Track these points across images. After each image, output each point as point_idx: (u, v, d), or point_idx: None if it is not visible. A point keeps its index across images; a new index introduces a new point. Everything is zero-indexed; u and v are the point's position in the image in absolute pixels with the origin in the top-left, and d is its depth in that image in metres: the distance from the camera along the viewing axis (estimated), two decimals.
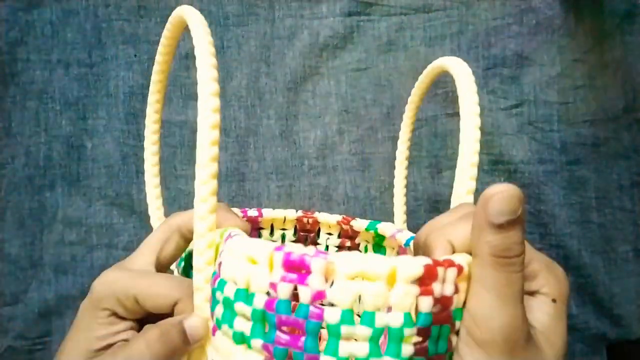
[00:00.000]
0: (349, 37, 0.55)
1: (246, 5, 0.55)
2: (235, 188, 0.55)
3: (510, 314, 0.24)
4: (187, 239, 0.33)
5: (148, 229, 0.53)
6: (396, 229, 0.43)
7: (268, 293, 0.23)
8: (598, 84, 0.54)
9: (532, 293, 0.27)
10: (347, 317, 0.22)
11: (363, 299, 0.22)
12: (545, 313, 0.26)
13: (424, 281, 0.23)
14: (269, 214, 0.48)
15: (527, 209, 0.54)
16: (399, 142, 0.46)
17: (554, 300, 0.26)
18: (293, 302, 0.23)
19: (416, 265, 0.22)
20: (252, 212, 0.47)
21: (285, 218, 0.48)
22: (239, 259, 0.25)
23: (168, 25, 0.34)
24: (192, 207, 0.56)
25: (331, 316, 0.22)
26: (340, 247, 0.48)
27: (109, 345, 0.29)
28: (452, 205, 0.31)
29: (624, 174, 0.55)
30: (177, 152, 0.54)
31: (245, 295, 0.24)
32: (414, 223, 0.55)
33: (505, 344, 0.23)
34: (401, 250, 0.42)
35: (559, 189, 0.54)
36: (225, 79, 0.55)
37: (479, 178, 0.54)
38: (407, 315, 0.23)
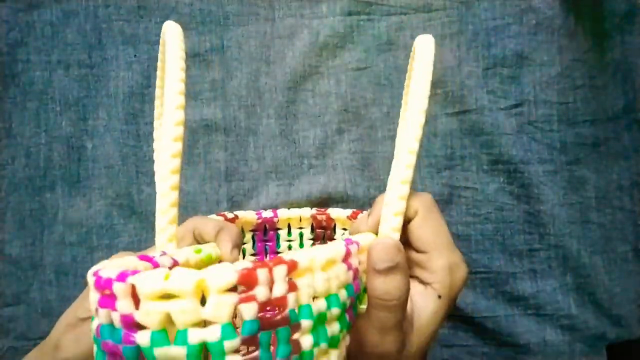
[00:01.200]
0: (349, 37, 0.55)
1: (246, 5, 0.54)
2: (234, 187, 0.55)
3: (388, 342, 0.29)
4: (199, 242, 0.35)
5: (149, 230, 0.53)
6: None
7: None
8: (598, 84, 0.54)
9: (427, 284, 0.32)
10: (159, 338, 0.22)
11: (173, 318, 0.21)
12: (427, 305, 0.32)
13: (243, 287, 0.22)
14: (284, 214, 0.49)
15: (526, 209, 0.54)
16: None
17: (439, 297, 0.32)
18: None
19: (227, 273, 0.22)
20: (267, 214, 0.49)
21: (300, 217, 0.49)
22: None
23: (161, 41, 0.35)
24: (191, 205, 0.57)
25: (142, 339, 0.22)
26: None
27: None
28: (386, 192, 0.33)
29: (624, 174, 0.55)
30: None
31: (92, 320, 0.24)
32: None
33: (383, 357, 0.30)
34: None
35: (558, 189, 0.54)
36: (225, 79, 0.55)
37: (478, 177, 0.55)
38: (227, 327, 0.21)
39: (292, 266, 0.23)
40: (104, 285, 0.22)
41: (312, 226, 0.50)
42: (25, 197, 0.53)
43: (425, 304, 0.32)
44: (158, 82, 0.38)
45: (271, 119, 0.55)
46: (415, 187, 0.55)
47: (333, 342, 0.26)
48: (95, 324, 0.23)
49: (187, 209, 0.54)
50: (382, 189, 0.55)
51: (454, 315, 0.55)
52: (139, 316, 0.22)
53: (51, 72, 0.53)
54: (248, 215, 0.48)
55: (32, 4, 0.53)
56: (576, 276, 0.54)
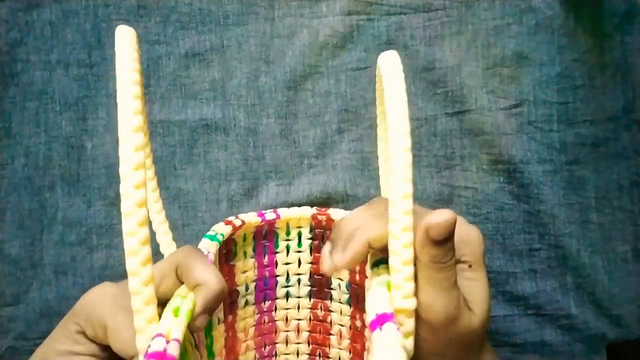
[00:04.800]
0: (349, 36, 0.55)
1: (246, 5, 0.54)
2: (234, 187, 0.55)
3: (447, 299, 0.31)
4: (180, 281, 0.32)
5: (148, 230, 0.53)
6: None
7: None
8: (598, 84, 0.54)
9: (457, 261, 0.33)
10: None
11: None
12: (465, 278, 0.33)
13: None
14: (285, 213, 0.49)
15: (526, 209, 0.54)
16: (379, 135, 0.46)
17: (470, 266, 0.34)
18: None
19: None
20: (270, 215, 0.48)
21: (301, 217, 0.49)
22: None
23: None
24: (191, 205, 0.57)
25: None
26: None
27: None
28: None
29: (624, 174, 0.55)
30: (177, 152, 0.54)
31: None
32: None
33: (445, 319, 0.31)
34: None
35: (558, 189, 0.54)
36: (224, 78, 0.55)
37: (478, 177, 0.55)
38: None
39: None
40: None
41: (311, 226, 0.50)
42: (25, 197, 0.53)
43: (464, 279, 0.33)
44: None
45: (271, 119, 0.55)
46: (415, 187, 0.55)
47: None
48: None
49: (187, 209, 0.54)
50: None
51: None
52: None
53: (51, 71, 0.53)
54: (253, 219, 0.47)
55: (32, 3, 0.53)
56: (576, 276, 0.54)
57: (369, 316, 0.29)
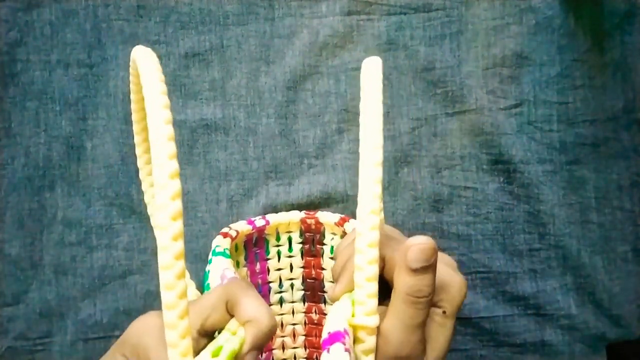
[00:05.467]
0: (349, 36, 0.55)
1: (246, 5, 0.54)
2: (234, 187, 0.55)
3: (406, 337, 0.30)
4: (230, 314, 0.31)
5: (148, 230, 0.53)
6: None
7: None
8: (598, 84, 0.54)
9: (432, 304, 0.32)
10: None
11: None
12: (434, 322, 0.33)
13: None
14: (274, 219, 0.48)
15: (526, 209, 0.54)
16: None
17: (444, 312, 0.33)
18: None
19: None
20: (260, 222, 0.48)
21: (290, 222, 0.49)
22: None
23: (131, 70, 0.34)
24: (191, 205, 0.57)
25: None
26: None
27: None
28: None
29: (624, 174, 0.55)
30: (177, 152, 0.54)
31: None
32: (414, 222, 0.55)
33: (395, 355, 0.31)
34: None
35: (558, 189, 0.54)
36: (224, 78, 0.55)
37: (478, 177, 0.55)
38: None
39: None
40: None
41: (300, 230, 0.50)
42: (25, 197, 0.53)
43: (434, 322, 0.33)
44: (134, 107, 0.37)
45: (271, 119, 0.55)
46: (415, 187, 0.55)
47: None
48: None
49: (187, 209, 0.54)
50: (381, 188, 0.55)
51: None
52: None
53: (51, 71, 0.53)
54: (244, 228, 0.47)
55: (32, 3, 0.53)
56: (576, 276, 0.54)
57: (323, 334, 0.29)
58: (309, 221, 0.49)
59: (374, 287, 0.29)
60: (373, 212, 0.28)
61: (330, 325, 0.29)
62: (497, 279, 0.55)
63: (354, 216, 0.47)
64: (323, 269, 0.50)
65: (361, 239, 0.29)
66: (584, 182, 0.55)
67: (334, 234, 0.49)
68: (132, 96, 0.36)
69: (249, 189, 0.55)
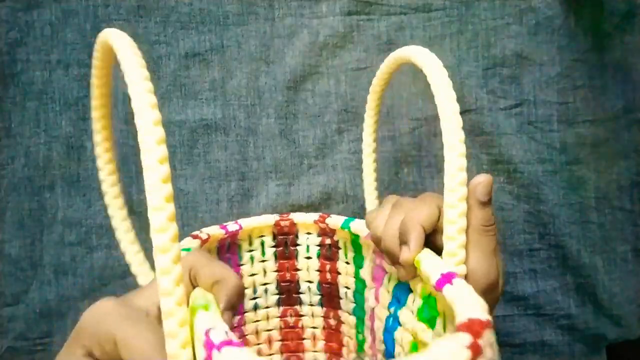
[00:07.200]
0: (349, 37, 0.55)
1: (246, 5, 0.54)
2: (234, 187, 0.55)
3: (492, 264, 0.35)
4: (194, 284, 0.31)
5: (148, 230, 0.53)
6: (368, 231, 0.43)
7: None
8: (598, 84, 0.54)
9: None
10: None
11: None
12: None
13: None
14: (247, 224, 0.47)
15: (526, 209, 0.54)
16: (364, 136, 0.48)
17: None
18: None
19: (458, 351, 0.21)
20: (233, 227, 0.46)
21: (262, 226, 0.48)
22: None
23: (95, 54, 0.33)
24: (191, 205, 0.57)
25: None
26: (321, 246, 0.48)
27: None
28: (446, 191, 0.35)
29: (624, 174, 0.55)
30: (177, 152, 0.54)
31: None
32: None
33: (487, 284, 0.35)
34: (377, 252, 0.42)
35: (558, 189, 0.54)
36: (225, 78, 0.55)
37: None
38: None
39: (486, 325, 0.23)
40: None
41: (273, 233, 0.49)
42: (25, 197, 0.53)
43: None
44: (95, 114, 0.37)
45: (271, 119, 0.55)
46: (415, 187, 0.55)
47: None
48: None
49: (187, 209, 0.54)
50: (381, 188, 0.55)
51: None
52: None
53: (51, 71, 0.53)
54: (216, 232, 0.45)
55: (32, 3, 0.53)
56: (576, 276, 0.54)
57: (434, 277, 0.31)
58: (282, 223, 0.48)
59: (464, 238, 0.33)
60: (460, 169, 0.32)
61: (437, 270, 0.31)
62: None
63: (355, 216, 0.47)
64: (298, 269, 0.49)
65: (452, 194, 0.32)
66: (584, 182, 0.55)
67: (309, 233, 0.49)
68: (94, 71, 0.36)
69: (249, 189, 0.55)
